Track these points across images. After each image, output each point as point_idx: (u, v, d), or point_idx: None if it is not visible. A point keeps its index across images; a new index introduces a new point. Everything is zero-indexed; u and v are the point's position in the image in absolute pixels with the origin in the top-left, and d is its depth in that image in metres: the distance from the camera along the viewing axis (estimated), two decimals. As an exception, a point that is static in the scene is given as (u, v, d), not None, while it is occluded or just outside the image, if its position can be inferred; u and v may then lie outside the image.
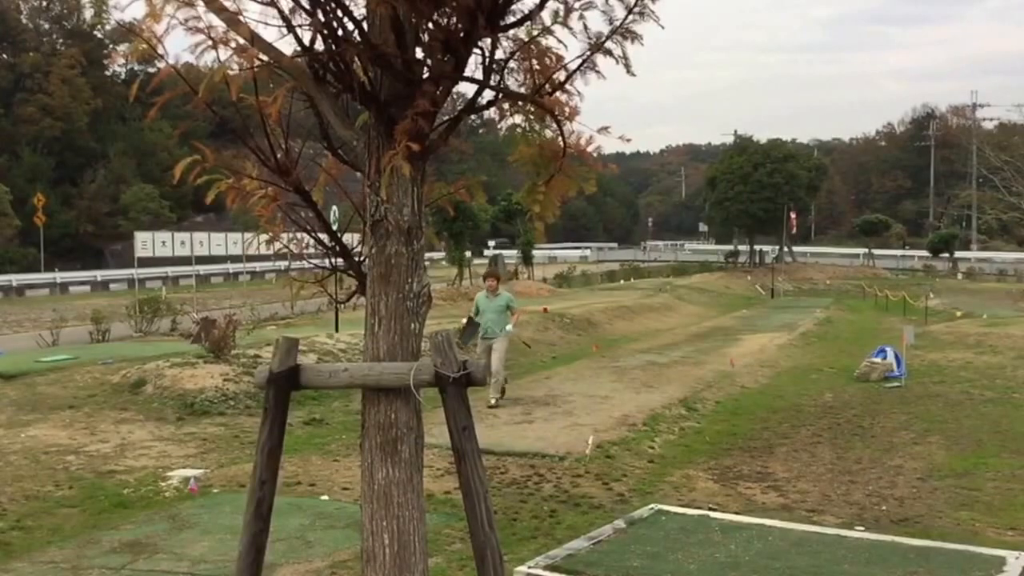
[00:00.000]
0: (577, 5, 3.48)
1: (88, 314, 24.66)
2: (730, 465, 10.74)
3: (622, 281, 48.01)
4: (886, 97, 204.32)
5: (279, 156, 3.70)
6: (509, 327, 13.87)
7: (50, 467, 10.00)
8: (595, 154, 3.86)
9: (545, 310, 25.68)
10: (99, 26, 67.08)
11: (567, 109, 3.56)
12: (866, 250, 67.00)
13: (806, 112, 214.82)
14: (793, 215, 55.28)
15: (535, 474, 9.82)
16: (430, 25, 3.33)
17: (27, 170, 59.44)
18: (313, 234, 3.96)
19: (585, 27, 3.47)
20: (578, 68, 3.51)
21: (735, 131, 71.23)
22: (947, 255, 62.81)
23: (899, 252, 69.47)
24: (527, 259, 44.26)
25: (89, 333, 22.33)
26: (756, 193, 57.26)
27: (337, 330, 19.22)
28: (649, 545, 6.56)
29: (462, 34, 3.33)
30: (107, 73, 68.55)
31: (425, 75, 3.43)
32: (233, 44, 3.41)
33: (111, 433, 11.68)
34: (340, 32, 3.37)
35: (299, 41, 3.44)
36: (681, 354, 20.44)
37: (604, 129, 3.82)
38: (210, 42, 3.39)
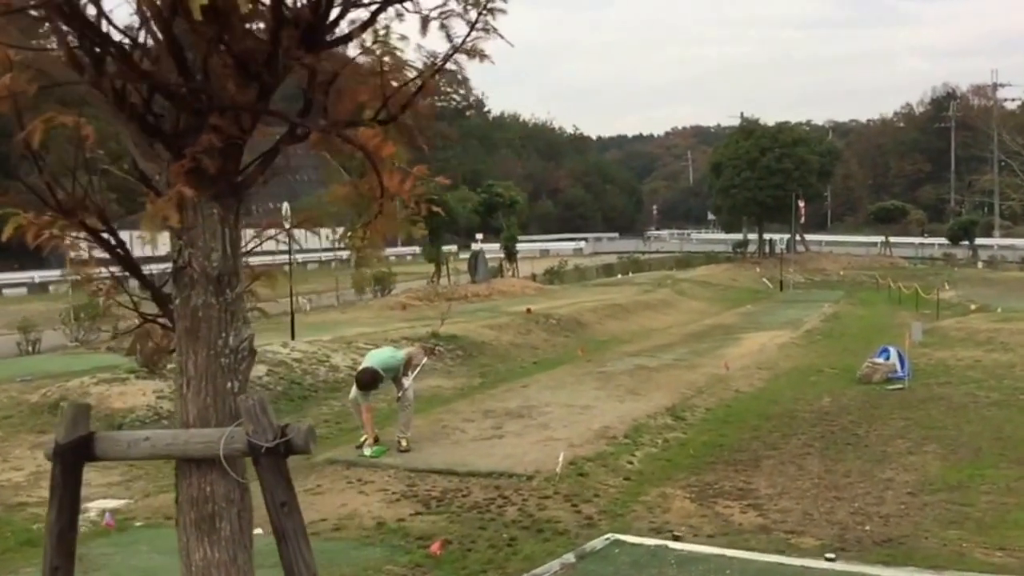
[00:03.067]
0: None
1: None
2: (711, 481, 10.73)
3: (620, 276, 47.99)
4: (907, 75, 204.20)
5: (59, 194, 3.47)
6: (407, 381, 11.88)
7: None
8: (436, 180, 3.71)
9: (528, 311, 25.62)
10: None
11: (384, 145, 3.42)
12: (883, 238, 66.91)
13: (822, 92, 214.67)
14: (802, 203, 55.20)
15: (499, 496, 9.79)
16: (222, 47, 3.17)
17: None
18: (114, 277, 3.73)
19: (419, 46, 3.41)
20: (417, 91, 3.43)
21: (741, 113, 71.02)
22: (967, 243, 62.75)
23: (917, 240, 69.36)
24: (510, 255, 44.01)
25: (17, 344, 21.37)
26: (764, 179, 57.07)
27: (293, 337, 19.08)
28: (598, 580, 6.55)
29: (265, 57, 3.19)
30: None
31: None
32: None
33: (26, 460, 11.40)
34: (100, 50, 3.16)
35: (72, 60, 3.19)
36: (674, 356, 20.44)
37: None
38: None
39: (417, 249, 40.35)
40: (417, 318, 25.64)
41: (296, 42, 3.24)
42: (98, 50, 3.20)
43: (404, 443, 11.54)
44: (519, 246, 47.16)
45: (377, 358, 11.97)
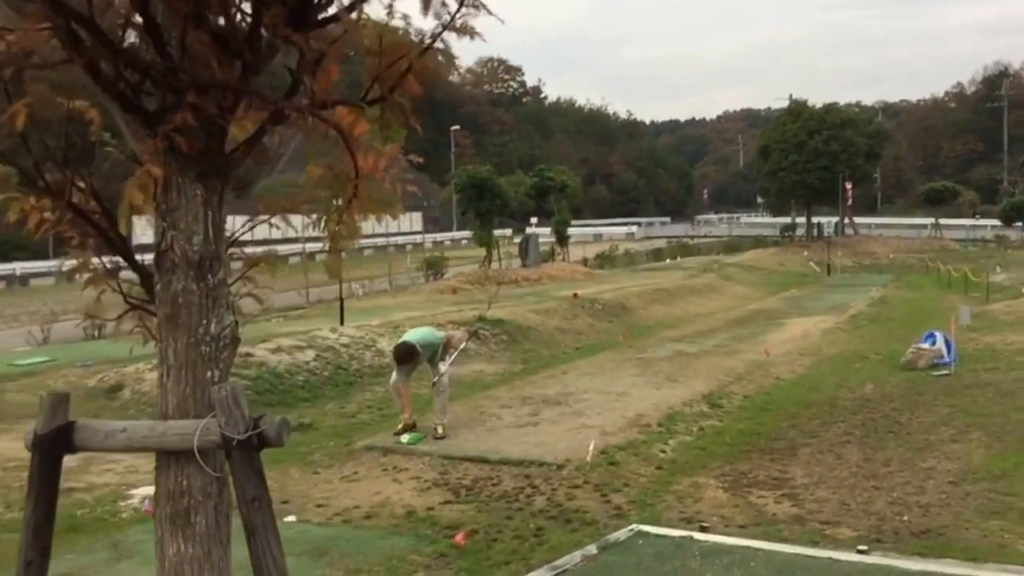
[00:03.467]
0: None
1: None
2: (746, 470, 10.38)
3: (668, 260, 47.43)
4: (958, 54, 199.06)
5: (48, 176, 3.33)
6: (443, 366, 11.68)
7: (5, 485, 9.75)
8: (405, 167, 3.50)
9: (575, 295, 25.33)
10: None
11: (358, 124, 3.19)
12: (934, 220, 65.32)
13: (872, 72, 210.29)
14: (849, 186, 54.02)
15: (529, 485, 9.55)
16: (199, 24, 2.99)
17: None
18: (105, 261, 3.58)
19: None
20: (407, 70, 3.20)
21: (790, 96, 69.53)
22: (1020, 224, 60.98)
23: (969, 222, 67.59)
24: (561, 239, 43.68)
25: (84, 328, 21.80)
26: (812, 162, 56.01)
27: (342, 323, 19.04)
28: (617, 575, 6.28)
29: (247, 34, 3.00)
30: None
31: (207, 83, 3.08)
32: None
33: (79, 444, 11.48)
34: (72, 25, 2.99)
35: (61, 39, 3.03)
36: (715, 342, 20.00)
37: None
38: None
39: (457, 235, 40.38)
40: (466, 302, 25.55)
41: (283, 20, 3.05)
42: (74, 26, 3.02)
43: (440, 430, 11.38)
44: (572, 230, 46.85)
45: (416, 334, 11.88)
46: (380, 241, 61.32)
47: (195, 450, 3.25)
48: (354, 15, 3.17)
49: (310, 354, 15.96)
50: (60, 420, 3.54)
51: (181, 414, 3.33)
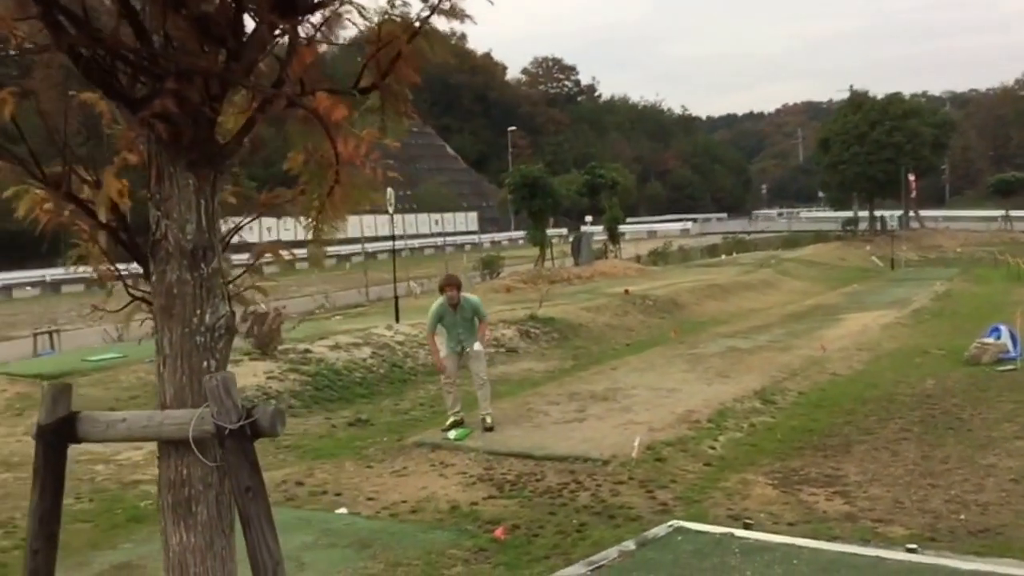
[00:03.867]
0: None
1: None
2: (797, 467, 10.18)
3: (723, 256, 46.94)
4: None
5: (44, 166, 3.30)
6: (477, 346, 11.84)
7: (76, 477, 9.95)
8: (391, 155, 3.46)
9: (627, 292, 25.20)
10: None
11: (336, 109, 3.15)
12: (1003, 212, 63.61)
13: (939, 62, 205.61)
14: (912, 177, 52.85)
15: (573, 481, 9.49)
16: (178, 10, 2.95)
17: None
18: (99, 252, 3.54)
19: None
20: (397, 57, 3.15)
21: (851, 86, 68.09)
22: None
23: (1040, 214, 65.73)
24: (613, 236, 43.55)
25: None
26: (874, 154, 54.95)
27: (398, 320, 19.20)
28: (654, 571, 6.18)
29: (230, 20, 2.97)
30: None
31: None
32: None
33: (147, 438, 11.78)
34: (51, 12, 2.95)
35: (48, 22, 2.96)
36: (769, 338, 19.69)
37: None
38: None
39: (513, 234, 40.68)
40: (519, 300, 25.62)
41: (268, 6, 3.02)
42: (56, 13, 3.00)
43: (489, 420, 11.53)
44: (626, 227, 46.66)
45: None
46: (439, 241, 61.90)
47: (191, 440, 3.24)
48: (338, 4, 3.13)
49: (366, 351, 16.18)
50: (62, 411, 3.54)
51: (178, 404, 3.33)
